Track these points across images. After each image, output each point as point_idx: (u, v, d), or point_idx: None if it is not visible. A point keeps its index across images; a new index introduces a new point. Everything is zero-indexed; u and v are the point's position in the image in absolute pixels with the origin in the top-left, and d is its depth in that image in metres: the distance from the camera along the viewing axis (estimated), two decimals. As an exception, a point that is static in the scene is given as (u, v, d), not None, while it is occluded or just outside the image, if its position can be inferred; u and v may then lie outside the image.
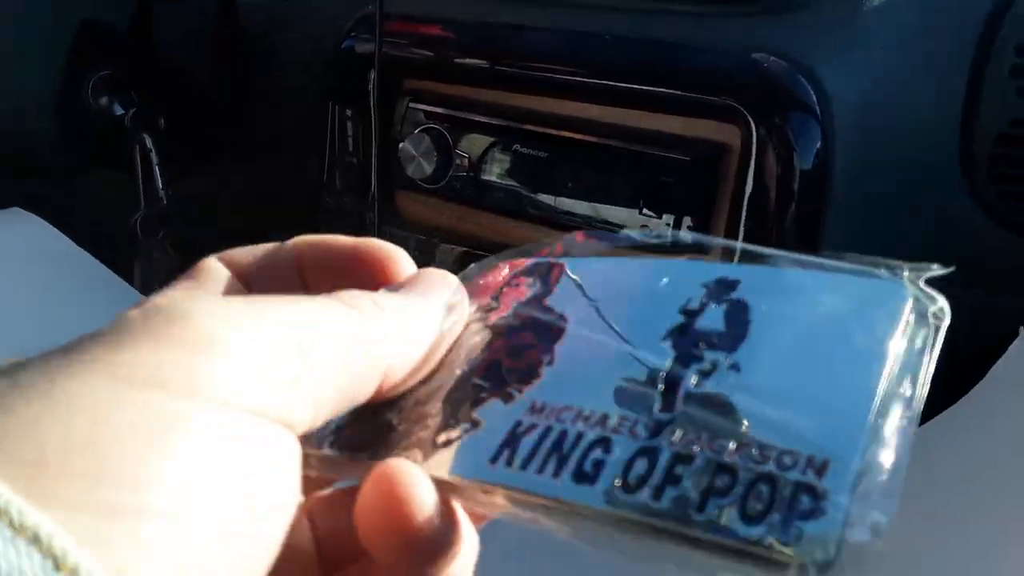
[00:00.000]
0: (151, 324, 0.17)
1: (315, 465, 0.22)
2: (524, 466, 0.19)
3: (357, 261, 0.24)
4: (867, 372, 0.18)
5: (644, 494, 0.17)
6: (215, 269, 0.23)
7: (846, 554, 0.15)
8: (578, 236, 0.26)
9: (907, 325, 0.19)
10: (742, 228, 0.55)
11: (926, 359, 0.18)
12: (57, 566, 0.13)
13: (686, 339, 0.20)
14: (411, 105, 0.71)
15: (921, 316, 0.19)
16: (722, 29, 0.57)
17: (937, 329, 0.19)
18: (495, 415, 0.21)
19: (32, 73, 0.81)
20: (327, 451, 0.22)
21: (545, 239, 0.27)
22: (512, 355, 0.23)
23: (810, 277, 0.21)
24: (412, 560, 0.20)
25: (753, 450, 0.17)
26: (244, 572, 0.17)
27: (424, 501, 0.19)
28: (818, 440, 0.17)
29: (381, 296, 0.22)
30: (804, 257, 0.21)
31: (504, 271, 0.26)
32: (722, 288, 0.21)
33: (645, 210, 0.59)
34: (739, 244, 0.23)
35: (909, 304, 0.19)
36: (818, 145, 0.54)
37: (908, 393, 0.18)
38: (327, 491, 0.24)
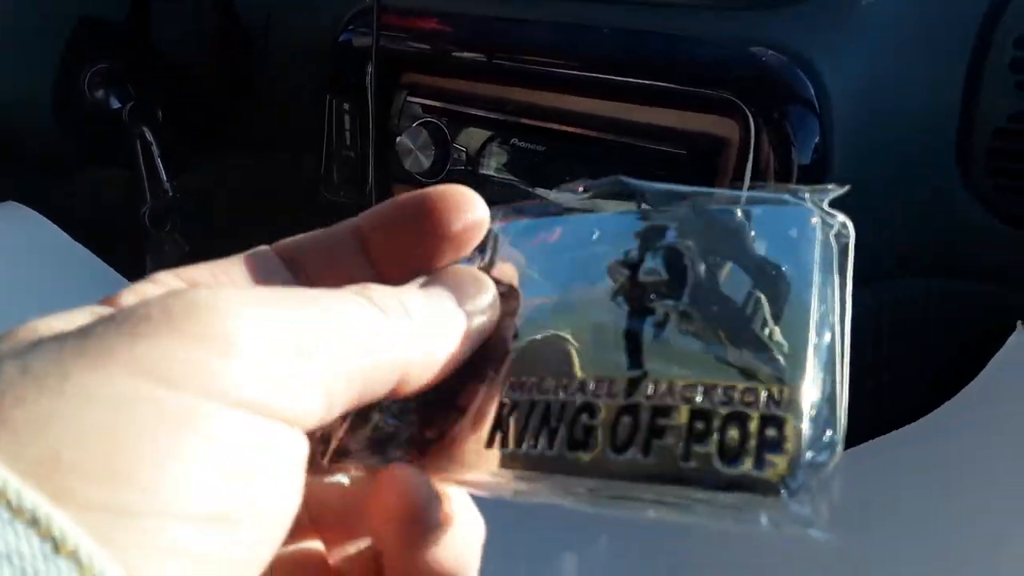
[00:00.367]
0: (171, 317, 0.16)
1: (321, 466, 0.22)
2: (519, 444, 0.20)
3: (424, 217, 0.23)
4: (799, 298, 0.20)
5: (634, 451, 0.19)
6: (261, 257, 0.22)
7: (811, 474, 0.17)
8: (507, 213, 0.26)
9: (821, 244, 0.20)
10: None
11: (846, 274, 0.20)
12: (56, 548, 0.13)
13: (635, 292, 0.22)
14: (408, 99, 0.71)
15: (828, 233, 0.21)
16: (720, 22, 0.57)
17: (845, 247, 0.21)
18: (476, 399, 0.22)
19: (28, 67, 0.81)
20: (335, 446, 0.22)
21: None
22: None
23: (726, 213, 0.22)
24: (417, 553, 0.20)
25: (719, 391, 0.19)
26: (250, 567, 0.17)
27: (426, 504, 0.20)
28: (772, 372, 0.19)
29: (409, 295, 0.21)
30: (715, 191, 0.23)
31: None
32: (653, 235, 0.23)
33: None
34: (650, 185, 0.24)
35: (819, 225, 0.21)
36: (817, 139, 0.54)
37: (837, 312, 0.20)
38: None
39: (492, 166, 0.66)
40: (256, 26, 0.88)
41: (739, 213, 0.22)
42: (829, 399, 0.19)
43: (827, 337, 0.19)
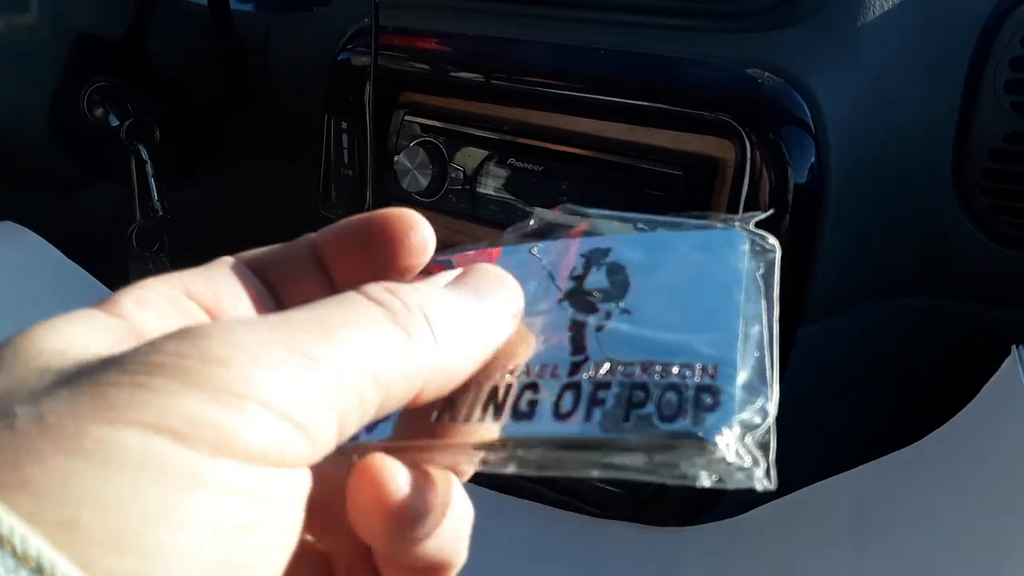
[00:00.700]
0: (185, 369, 0.16)
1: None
2: (466, 420, 0.21)
3: (373, 237, 0.23)
4: (729, 296, 0.22)
5: (577, 417, 0.20)
6: (240, 267, 0.22)
7: (745, 430, 0.19)
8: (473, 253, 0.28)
9: (748, 258, 0.23)
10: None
11: (772, 280, 0.23)
12: None
13: (580, 297, 0.24)
14: (406, 118, 0.71)
15: (757, 251, 0.24)
16: (717, 44, 0.58)
17: (772, 260, 0.23)
18: None
19: (27, 84, 0.81)
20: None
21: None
22: None
23: (666, 235, 0.25)
24: (399, 538, 0.20)
25: (657, 367, 0.21)
26: None
27: (397, 482, 0.20)
28: (706, 352, 0.21)
29: (436, 305, 0.20)
30: (652, 217, 0.26)
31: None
32: (597, 254, 0.25)
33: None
34: (596, 211, 0.27)
35: (747, 243, 0.24)
36: (812, 160, 0.54)
37: (763, 308, 0.22)
38: None
39: (489, 186, 0.66)
40: (254, 44, 0.88)
41: (677, 233, 0.25)
42: (759, 374, 0.20)
43: (755, 328, 0.21)
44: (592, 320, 0.23)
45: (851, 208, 0.56)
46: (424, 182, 0.68)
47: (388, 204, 0.73)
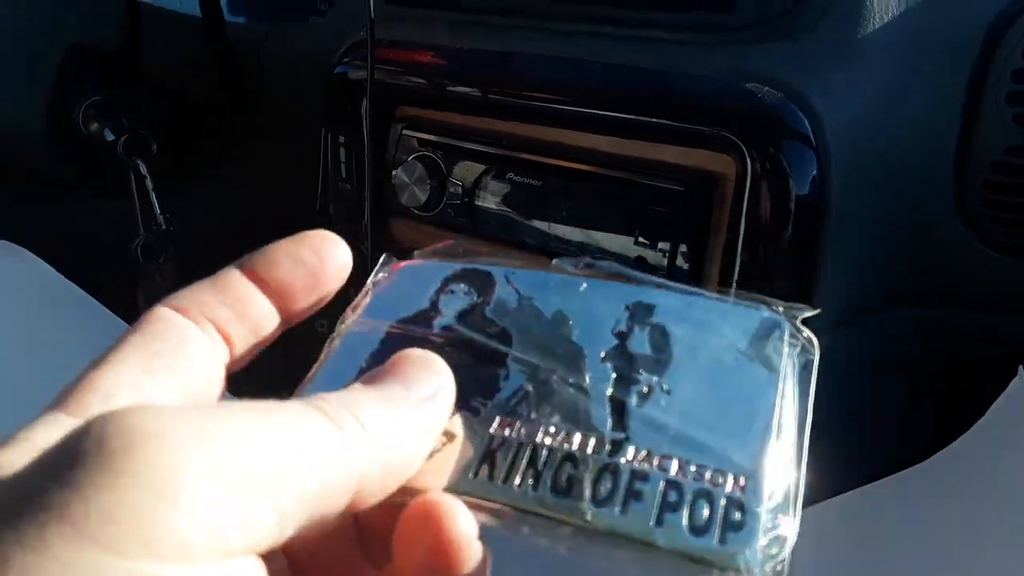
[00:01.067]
0: (108, 458, 0.16)
1: None
2: (505, 480, 0.22)
3: (299, 256, 0.25)
4: (766, 396, 0.23)
5: (613, 508, 0.21)
6: (171, 325, 0.22)
7: (766, 557, 0.20)
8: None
9: (788, 355, 0.24)
10: (738, 256, 0.55)
11: (809, 385, 0.23)
12: None
13: (622, 362, 0.24)
14: (404, 132, 0.70)
15: (794, 344, 0.24)
16: (716, 58, 0.57)
17: (811, 361, 0.24)
18: (466, 428, 0.23)
19: (22, 100, 0.80)
20: None
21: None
22: (469, 368, 0.25)
23: (711, 306, 0.26)
24: None
25: (692, 467, 0.21)
26: None
27: (471, 541, 0.20)
28: (739, 462, 0.21)
29: (362, 403, 0.20)
30: (702, 289, 0.26)
31: (409, 266, 0.29)
32: (641, 311, 0.26)
33: (640, 238, 0.58)
34: (645, 276, 0.27)
35: (787, 336, 0.24)
36: (813, 174, 0.54)
37: (795, 413, 0.23)
38: None
39: (488, 200, 0.66)
40: (249, 56, 0.88)
41: (721, 304, 0.25)
42: (786, 496, 0.21)
43: (788, 437, 0.22)
44: (634, 395, 0.23)
45: (852, 220, 0.56)
46: (423, 197, 0.68)
47: (386, 219, 0.73)
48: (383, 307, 0.28)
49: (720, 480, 0.21)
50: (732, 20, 0.59)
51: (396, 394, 0.21)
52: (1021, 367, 0.50)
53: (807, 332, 0.25)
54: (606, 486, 0.21)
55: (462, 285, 0.28)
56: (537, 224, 0.63)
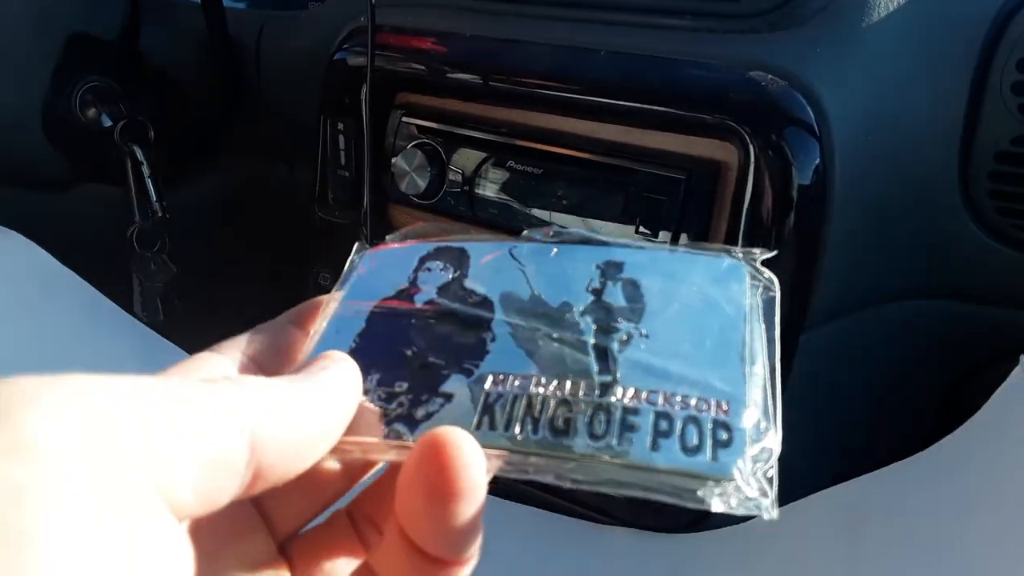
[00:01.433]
0: None
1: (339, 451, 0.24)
2: (506, 428, 0.23)
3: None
4: (736, 333, 0.25)
5: (610, 440, 0.22)
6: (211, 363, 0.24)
7: (755, 466, 0.22)
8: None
9: (750, 292, 0.26)
10: (740, 245, 0.55)
11: (774, 319, 0.25)
12: None
13: (601, 314, 0.26)
14: (404, 119, 0.70)
15: (756, 285, 0.26)
16: (719, 46, 0.57)
17: (773, 299, 0.26)
18: (462, 388, 0.25)
19: (19, 85, 0.80)
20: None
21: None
22: (457, 334, 0.26)
23: (674, 258, 0.28)
24: (449, 539, 0.21)
25: (677, 398, 0.23)
26: None
27: (479, 463, 0.21)
28: (719, 388, 0.23)
29: (268, 386, 0.22)
30: (665, 244, 0.29)
31: (384, 250, 0.31)
32: (612, 268, 0.27)
33: (642, 227, 0.58)
34: (611, 239, 0.29)
35: (748, 278, 0.26)
36: (816, 163, 0.53)
37: (763, 343, 0.25)
38: None
39: (488, 187, 0.65)
40: (248, 42, 0.87)
41: (684, 256, 0.27)
42: (766, 413, 0.23)
43: (759, 365, 0.24)
44: (615, 342, 0.25)
45: (855, 210, 0.56)
46: (422, 184, 0.67)
47: (386, 206, 0.72)
48: (364, 290, 0.29)
49: (704, 407, 0.23)
50: (735, 8, 0.58)
51: (299, 384, 0.23)
52: (1022, 356, 0.49)
53: (768, 273, 0.27)
54: (601, 423, 0.23)
55: (438, 262, 0.30)
56: (537, 212, 0.63)
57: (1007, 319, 0.60)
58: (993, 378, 0.54)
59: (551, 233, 0.30)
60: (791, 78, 0.53)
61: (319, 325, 0.28)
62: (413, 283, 0.29)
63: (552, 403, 0.23)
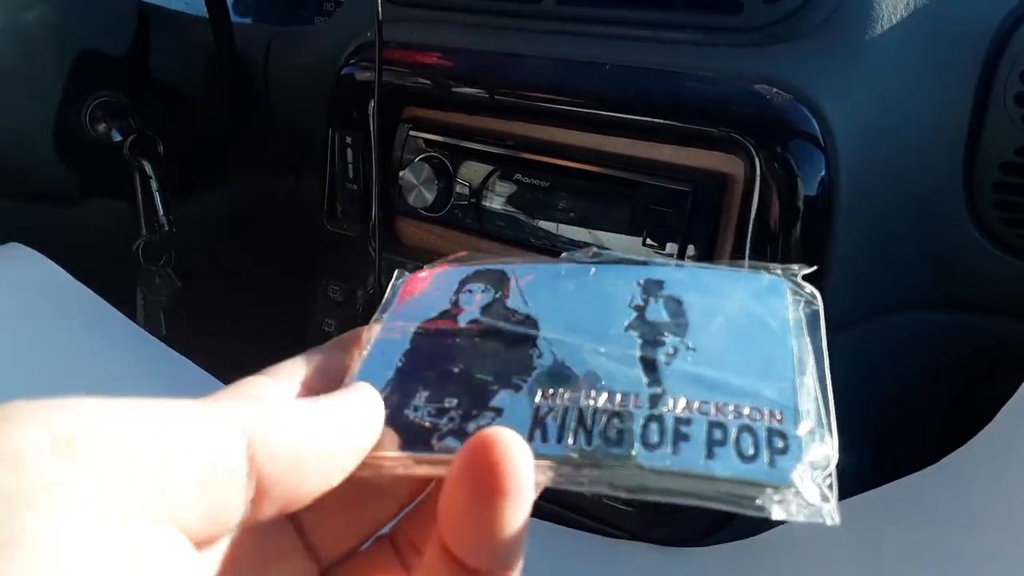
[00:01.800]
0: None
1: (382, 468, 0.24)
2: (559, 439, 0.23)
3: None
4: (783, 345, 0.25)
5: (665, 450, 0.22)
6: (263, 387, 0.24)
7: (813, 474, 0.21)
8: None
9: (792, 307, 0.26)
10: (747, 257, 0.55)
11: (819, 332, 0.25)
12: None
13: (645, 328, 0.26)
14: (411, 133, 0.70)
15: (798, 300, 0.26)
16: (723, 59, 0.57)
17: (816, 312, 0.26)
18: (511, 403, 0.25)
19: (29, 100, 0.80)
20: (389, 454, 0.24)
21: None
22: (503, 351, 0.27)
23: (714, 275, 0.28)
24: (492, 547, 0.20)
25: (729, 408, 0.23)
26: None
27: (528, 465, 0.20)
28: (771, 398, 0.23)
29: (287, 404, 0.22)
30: (703, 263, 0.28)
31: (424, 276, 0.31)
32: (653, 285, 0.28)
33: (648, 240, 0.58)
34: (650, 260, 0.29)
35: (789, 293, 0.27)
36: (822, 175, 0.53)
37: (812, 357, 0.25)
38: None
39: (496, 200, 0.65)
40: (256, 57, 0.88)
41: (723, 273, 0.28)
42: (819, 421, 0.23)
43: (808, 377, 0.24)
44: (662, 355, 0.25)
45: (860, 221, 0.56)
46: (430, 197, 0.68)
47: (393, 219, 0.73)
48: (407, 314, 0.30)
49: (757, 416, 0.23)
50: (740, 21, 0.59)
51: (321, 405, 0.23)
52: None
53: (809, 287, 0.27)
54: (654, 433, 0.23)
55: (478, 284, 0.30)
56: (544, 225, 0.63)
57: (1012, 330, 0.60)
58: (999, 389, 0.54)
59: (590, 253, 0.30)
60: (796, 91, 0.53)
61: (364, 349, 0.28)
62: (455, 304, 0.29)
63: (604, 415, 0.23)
